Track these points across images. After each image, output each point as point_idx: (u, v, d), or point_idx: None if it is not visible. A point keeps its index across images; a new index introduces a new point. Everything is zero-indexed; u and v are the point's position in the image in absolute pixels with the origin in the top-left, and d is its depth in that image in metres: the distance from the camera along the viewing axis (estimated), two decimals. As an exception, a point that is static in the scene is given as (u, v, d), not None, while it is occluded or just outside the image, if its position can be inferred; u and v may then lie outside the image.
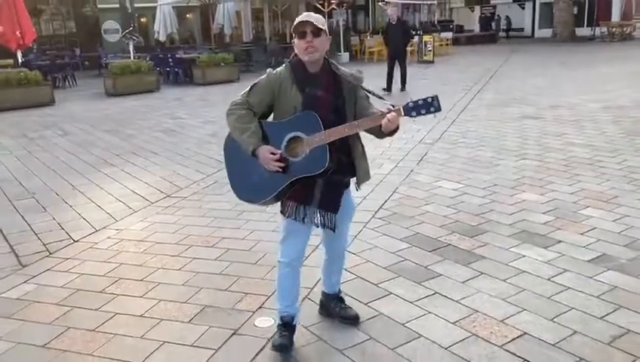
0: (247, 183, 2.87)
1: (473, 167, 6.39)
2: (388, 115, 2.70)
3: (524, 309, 3.29)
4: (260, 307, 3.44)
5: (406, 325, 3.19)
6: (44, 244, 4.67)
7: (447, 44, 24.49)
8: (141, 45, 21.68)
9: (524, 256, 4.02)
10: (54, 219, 5.27)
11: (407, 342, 3.02)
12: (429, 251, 4.17)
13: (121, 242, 4.62)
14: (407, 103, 2.74)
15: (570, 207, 4.95)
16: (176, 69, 17.07)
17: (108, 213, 5.36)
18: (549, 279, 3.65)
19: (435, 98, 2.73)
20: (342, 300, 3.32)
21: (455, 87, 13.28)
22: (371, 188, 5.68)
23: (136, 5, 22.54)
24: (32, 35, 15.02)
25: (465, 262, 3.96)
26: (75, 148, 8.45)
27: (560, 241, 4.22)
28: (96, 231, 4.92)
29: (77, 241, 4.70)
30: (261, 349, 3.01)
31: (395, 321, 3.24)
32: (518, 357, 2.85)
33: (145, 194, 5.94)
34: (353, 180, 2.98)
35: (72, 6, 23.53)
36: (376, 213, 5.02)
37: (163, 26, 21.99)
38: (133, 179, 6.54)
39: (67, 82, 17.52)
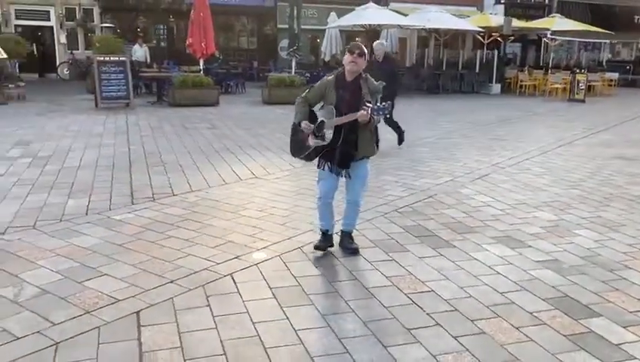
0: (295, 145, 4.62)
1: (519, 188, 7.07)
2: (359, 113, 4.20)
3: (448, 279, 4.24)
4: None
5: (354, 272, 4.33)
6: (153, 194, 6.48)
7: (609, 85, 23.54)
8: (307, 62, 24.15)
9: (488, 251, 4.86)
10: (169, 180, 7.11)
11: (348, 280, 4.17)
12: (415, 236, 5.18)
13: (202, 200, 6.27)
14: (372, 107, 4.12)
15: (567, 225, 5.57)
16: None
17: (206, 181, 7.08)
18: (489, 266, 4.50)
19: (389, 105, 4.20)
20: (351, 237, 4.80)
21: (579, 124, 13.34)
22: (413, 191, 6.72)
23: (306, 27, 25.15)
24: (212, 49, 17.84)
25: (434, 246, 4.92)
26: (213, 138, 10.47)
27: (530, 246, 4.98)
28: (191, 191, 6.63)
29: (175, 195, 6.44)
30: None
31: (355, 270, 4.39)
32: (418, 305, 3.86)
33: (240, 173, 7.58)
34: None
35: (256, 24, 26.87)
36: (400, 208, 6.08)
37: (329, 47, 24.22)
38: (238, 163, 8.24)
39: (238, 89, 20.34)
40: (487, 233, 5.33)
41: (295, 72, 19.43)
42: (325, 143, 4.42)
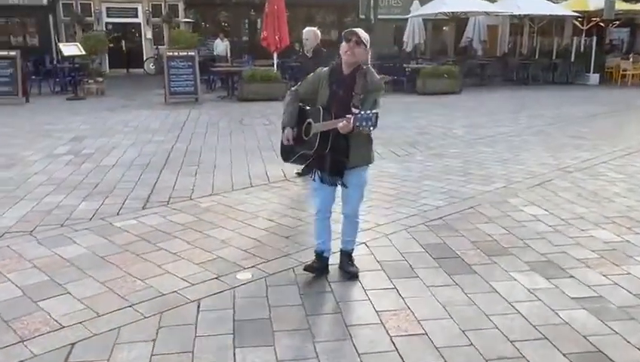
0: (284, 149, 4.03)
1: (582, 198, 6.04)
2: (339, 124, 3.51)
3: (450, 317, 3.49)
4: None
5: (342, 303, 3.68)
6: (170, 197, 6.13)
7: None
8: (388, 54, 23.31)
9: (516, 280, 4.02)
10: (194, 182, 6.75)
11: (329, 313, 3.54)
12: (434, 258, 4.42)
13: (216, 205, 5.83)
14: (356, 115, 3.45)
15: (628, 250, 4.56)
16: (401, 78, 18.06)
17: (232, 183, 6.66)
18: (510, 303, 3.68)
19: (374, 115, 3.41)
20: (349, 258, 4.15)
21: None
22: (454, 200, 5.91)
23: (390, 17, 24.26)
24: (286, 42, 17.50)
25: (451, 272, 4.15)
26: (264, 135, 10.07)
27: (571, 276, 4.07)
28: (210, 195, 6.22)
29: (191, 199, 6.06)
30: (217, 290, 3.84)
31: (344, 300, 3.75)
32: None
33: (271, 175, 7.09)
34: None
35: (337, 16, 26.33)
36: (430, 221, 5.31)
37: (411, 37, 23.20)
38: (275, 164, 7.73)
39: (312, 82, 19.90)
40: (523, 256, 4.46)
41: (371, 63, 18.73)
42: (311, 151, 3.79)
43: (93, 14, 23.50)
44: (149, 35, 23.90)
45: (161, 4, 24.12)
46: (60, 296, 3.79)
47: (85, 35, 17.98)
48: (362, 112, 3.44)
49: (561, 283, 3.98)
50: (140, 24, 24.34)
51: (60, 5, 23.14)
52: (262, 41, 18.13)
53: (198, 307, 3.64)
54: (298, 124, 3.90)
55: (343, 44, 3.71)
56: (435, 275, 4.12)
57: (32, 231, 5.07)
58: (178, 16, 24.23)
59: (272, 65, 17.47)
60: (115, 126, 11.01)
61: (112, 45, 24.15)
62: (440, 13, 21.58)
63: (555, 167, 7.51)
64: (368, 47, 3.78)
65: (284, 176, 7.03)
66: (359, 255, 4.43)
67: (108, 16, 24.03)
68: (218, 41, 21.99)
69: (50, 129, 10.56)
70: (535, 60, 22.29)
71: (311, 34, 6.66)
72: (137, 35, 24.55)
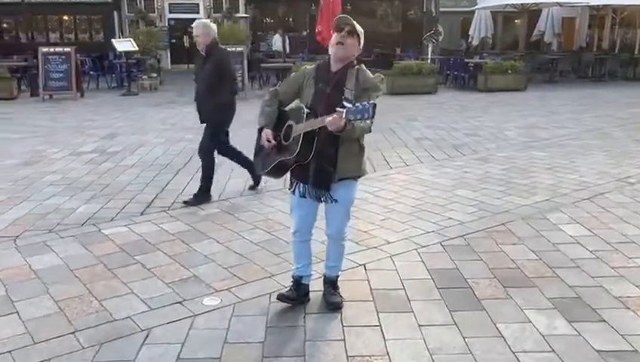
0: (258, 155, 3.50)
1: (637, 219, 5.13)
2: (327, 119, 2.93)
3: (433, 370, 2.84)
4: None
5: (310, 342, 3.11)
6: (174, 202, 5.75)
7: None
8: (454, 49, 22.24)
9: (531, 322, 3.30)
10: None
11: (288, 357, 2.99)
12: (439, 287, 3.76)
13: (219, 212, 5.38)
14: (349, 108, 2.86)
15: None
16: (462, 74, 17.07)
17: (244, 186, 6.19)
18: (514, 353, 2.99)
19: (371, 106, 2.79)
20: (333, 286, 3.57)
21: None
22: (484, 214, 5.19)
23: (457, 10, 23.16)
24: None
25: (454, 307, 3.48)
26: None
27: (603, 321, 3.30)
28: (219, 200, 5.78)
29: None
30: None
31: (314, 339, 3.18)
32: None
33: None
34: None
35: (400, 9, 25.44)
36: (450, 239, 4.62)
37: (478, 31, 22.03)
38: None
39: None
40: (547, 289, 3.71)
41: (431, 59, 17.86)
42: (291, 158, 3.21)
43: (156, 10, 23.82)
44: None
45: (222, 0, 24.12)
46: (5, 317, 3.43)
47: (140, 31, 18.08)
48: (358, 104, 2.82)
49: (586, 328, 3.22)
50: (201, 19, 24.40)
51: (125, 2, 23.57)
52: (316, 35, 17.74)
53: (146, 338, 3.17)
54: (277, 128, 3.35)
55: (334, 35, 3.15)
56: (434, 310, 3.46)
57: (17, 237, 4.79)
58: (238, 12, 24.12)
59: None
60: (153, 123, 10.85)
61: (174, 41, 24.40)
62: (509, 5, 20.34)
63: (614, 177, 6.55)
64: (362, 40, 3.19)
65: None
66: (352, 280, 3.87)
67: (170, 12, 24.28)
68: (277, 36, 21.73)
69: (88, 125, 10.53)
70: (613, 55, 20.56)
71: (200, 28, 5.31)
72: (199, 30, 24.66)
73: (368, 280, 3.88)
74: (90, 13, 23.88)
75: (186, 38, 24.31)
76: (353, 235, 4.67)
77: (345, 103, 2.99)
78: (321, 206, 3.43)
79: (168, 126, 10.50)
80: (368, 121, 2.93)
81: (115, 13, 23.18)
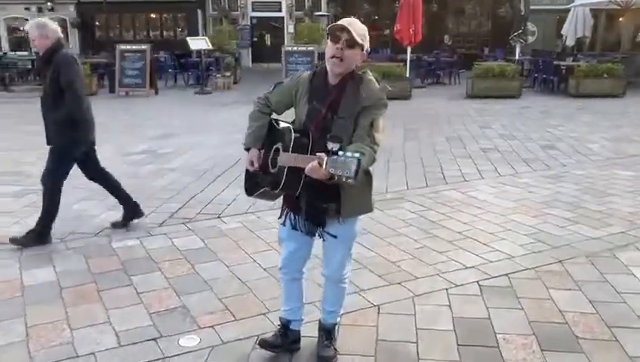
0: (248, 178, 2.90)
1: None
2: (308, 165, 2.36)
3: None
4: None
5: None
6: (200, 212, 5.38)
7: None
8: (548, 50, 20.69)
9: (566, 406, 2.58)
10: (235, 196, 5.92)
11: None
12: (458, 344, 3.10)
13: (239, 228, 4.94)
14: (330, 158, 2.26)
15: None
16: (551, 77, 15.71)
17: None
18: None
19: (353, 161, 2.19)
20: (328, 335, 3.02)
21: None
22: (541, 248, 4.41)
23: (554, 7, 21.58)
24: (419, 38, 16.15)
25: (470, 376, 2.81)
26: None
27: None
28: (246, 212, 5.35)
29: (218, 217, 5.24)
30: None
31: None
32: None
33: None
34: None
35: (490, 7, 24.06)
36: (486, 279, 3.91)
37: (573, 29, 20.34)
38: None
39: (451, 79, 18.20)
40: (597, 359, 2.95)
41: (519, 60, 16.66)
42: (276, 192, 2.65)
43: (239, 9, 23.98)
44: (291, 29, 23.78)
45: (304, -2, 23.91)
46: (-29, 341, 3.15)
47: (216, 29, 18.16)
48: (340, 154, 2.23)
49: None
50: (283, 18, 24.33)
51: (210, 0, 23.90)
52: (395, 33, 17.04)
53: (99, 385, 2.76)
54: (268, 145, 2.77)
55: (329, 43, 2.52)
56: (443, 379, 2.81)
57: (25, 245, 4.58)
58: (320, 10, 23.80)
59: (404, 60, 16.28)
60: (212, 124, 10.66)
61: (255, 39, 24.48)
62: (611, 2, 18.59)
63: None
64: (366, 46, 2.55)
65: None
66: (358, 325, 3.30)
67: (253, 10, 24.36)
68: (358, 35, 21.08)
69: (148, 124, 10.49)
70: None
71: (35, 29, 4.40)
72: (280, 29, 24.59)
73: (377, 327, 3.28)
74: (175, 11, 24.41)
75: (267, 37, 24.38)
76: (379, 266, 4.09)
77: (329, 144, 2.40)
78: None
79: (228, 126, 10.24)
80: (350, 177, 2.20)
81: (199, 11, 23.56)
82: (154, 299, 3.63)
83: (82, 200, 5.79)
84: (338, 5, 23.85)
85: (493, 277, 3.93)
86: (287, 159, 2.53)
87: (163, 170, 7.08)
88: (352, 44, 2.47)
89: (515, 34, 17.03)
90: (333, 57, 2.49)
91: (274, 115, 2.83)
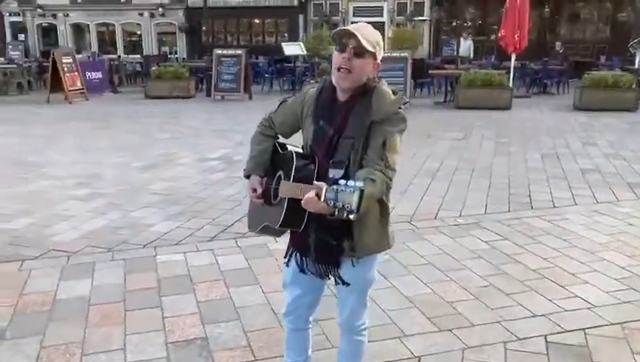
0: (251, 211, 2.56)
1: None
2: (305, 196, 1.97)
3: None
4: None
5: None
6: (252, 229, 5.11)
7: None
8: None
9: None
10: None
11: None
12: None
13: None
14: (331, 185, 1.88)
15: None
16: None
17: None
18: None
19: (356, 192, 1.81)
20: None
21: None
22: (632, 299, 3.70)
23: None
24: (525, 44, 15.16)
25: None
26: (442, 154, 8.41)
27: None
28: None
29: (271, 235, 4.95)
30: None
31: None
32: None
33: (419, 212, 5.56)
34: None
35: (609, 11, 22.16)
36: (557, 333, 3.28)
37: None
38: (432, 196, 6.14)
39: (559, 89, 16.92)
40: None
41: (637, 70, 15.15)
42: (277, 227, 2.23)
43: (339, 14, 23.85)
44: (390, 34, 23.29)
45: (406, 2, 23.33)
46: (-17, 358, 3.05)
47: (313, 34, 18.07)
48: (340, 183, 1.85)
49: None
50: (383, 23, 23.91)
51: (311, 5, 23.98)
52: (499, 40, 16.11)
53: None
54: (272, 172, 2.41)
55: (335, 53, 2.14)
56: None
57: (74, 253, 4.54)
58: (423, 14, 23.12)
59: (507, 67, 15.33)
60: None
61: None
62: None
63: None
64: (380, 55, 2.14)
65: (435, 216, 5.45)
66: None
67: (354, 15, 24.13)
68: (461, 40, 20.28)
69: (234, 130, 10.47)
70: None
71: None
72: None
73: (409, 387, 2.81)
74: (277, 17, 24.73)
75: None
76: (431, 307, 3.60)
77: (330, 171, 2.04)
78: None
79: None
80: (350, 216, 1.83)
81: (301, 16, 23.69)
82: (177, 326, 3.38)
83: (143, 207, 5.74)
84: (442, 10, 23.03)
85: (566, 332, 3.30)
86: (288, 189, 2.14)
87: (232, 178, 6.93)
88: (360, 52, 2.07)
89: (636, 40, 15.49)
90: (340, 69, 2.10)
91: (281, 139, 2.46)
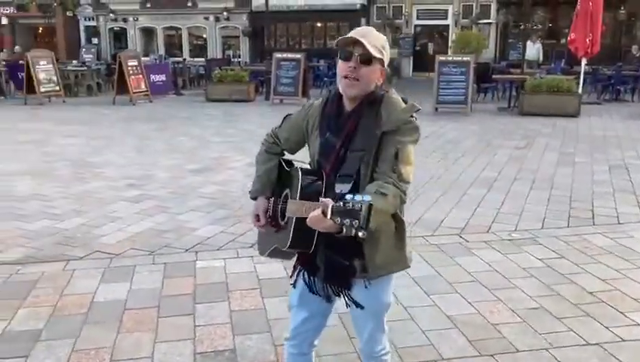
0: (260, 233, 2.43)
1: None
2: (311, 213, 1.85)
3: None
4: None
5: None
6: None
7: None
8: None
9: None
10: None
11: None
12: None
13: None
14: (336, 206, 1.75)
15: None
16: None
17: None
18: None
19: (363, 207, 1.68)
20: None
21: None
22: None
23: None
24: (597, 49, 14.44)
25: None
26: (500, 163, 8.06)
27: None
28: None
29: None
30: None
31: None
32: None
33: (471, 224, 5.32)
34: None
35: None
36: (614, 365, 3.00)
37: None
38: (485, 208, 5.89)
39: (634, 96, 16.01)
40: None
41: None
42: (285, 248, 2.08)
43: (403, 17, 23.54)
44: (453, 38, 22.79)
45: (472, 5, 22.75)
46: (13, 360, 3.08)
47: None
48: (347, 198, 1.72)
49: None
50: (448, 26, 23.43)
51: (374, 8, 23.79)
52: (569, 44, 15.41)
53: None
54: (279, 191, 2.26)
55: (340, 62, 2.02)
56: None
57: (116, 256, 4.59)
58: (489, 17, 22.49)
59: (576, 72, 14.66)
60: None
61: (418, 48, 23.88)
62: None
63: None
64: (386, 60, 2.01)
65: (488, 229, 5.20)
66: None
67: (417, 18, 23.77)
68: (529, 43, 19.57)
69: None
70: None
71: None
72: (442, 38, 23.71)
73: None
74: (339, 20, 24.68)
75: (430, 45, 23.65)
76: (474, 329, 3.39)
77: (337, 186, 1.92)
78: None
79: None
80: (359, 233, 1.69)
81: (363, 20, 23.53)
82: (207, 336, 3.32)
83: (190, 210, 5.76)
84: (509, 12, 22.31)
85: (622, 370, 3.01)
86: (295, 208, 2.01)
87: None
88: (367, 59, 1.95)
89: None
90: (346, 77, 1.98)
91: (288, 155, 2.34)
